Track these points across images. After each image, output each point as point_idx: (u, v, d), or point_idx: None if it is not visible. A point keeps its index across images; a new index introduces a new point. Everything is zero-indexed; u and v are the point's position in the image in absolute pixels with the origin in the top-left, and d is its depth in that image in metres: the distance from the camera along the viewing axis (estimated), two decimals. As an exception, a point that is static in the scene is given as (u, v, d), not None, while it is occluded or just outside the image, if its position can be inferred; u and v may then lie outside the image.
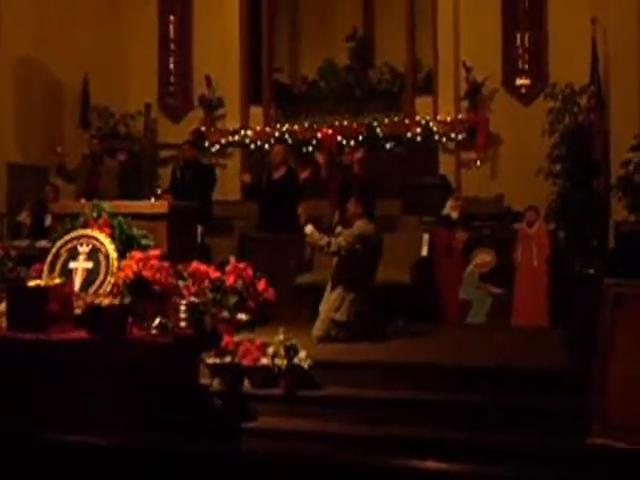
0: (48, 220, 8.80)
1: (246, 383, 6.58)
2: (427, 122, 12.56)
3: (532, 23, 12.41)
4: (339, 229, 8.37)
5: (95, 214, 5.41)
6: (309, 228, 8.17)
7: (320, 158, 11.55)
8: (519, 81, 12.33)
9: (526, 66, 12.45)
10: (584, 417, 5.64)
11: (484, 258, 9.83)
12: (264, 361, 6.64)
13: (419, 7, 13.05)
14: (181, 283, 5.07)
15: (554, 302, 9.42)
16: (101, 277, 5.12)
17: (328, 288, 8.23)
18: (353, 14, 13.97)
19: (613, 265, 7.82)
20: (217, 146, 13.47)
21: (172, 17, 14.08)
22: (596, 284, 7.06)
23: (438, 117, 12.58)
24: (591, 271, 8.80)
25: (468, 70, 12.32)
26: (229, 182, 12.95)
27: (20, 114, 12.26)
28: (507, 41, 12.52)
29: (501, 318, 9.64)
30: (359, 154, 10.88)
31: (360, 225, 8.19)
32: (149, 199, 6.94)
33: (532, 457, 5.82)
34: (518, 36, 12.48)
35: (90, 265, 5.19)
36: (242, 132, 13.42)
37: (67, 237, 5.38)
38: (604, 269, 8.07)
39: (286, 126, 13.23)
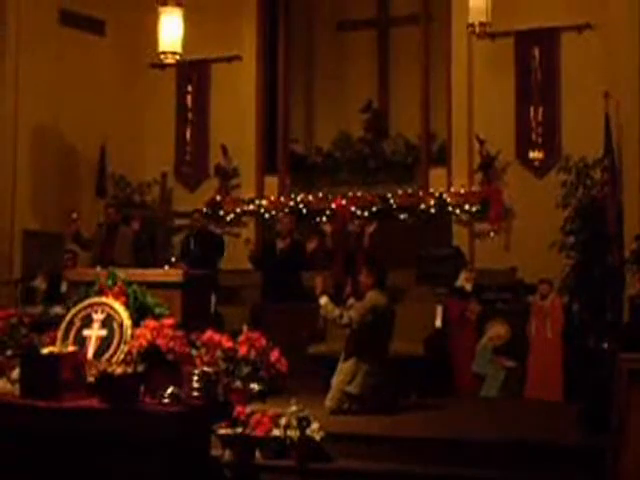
0: (64, 287, 8.83)
1: (257, 454, 6.53)
2: (441, 194, 12.62)
3: (545, 96, 12.52)
4: (351, 301, 8.37)
5: (110, 282, 5.42)
6: (324, 299, 8.18)
7: (327, 228, 11.61)
8: (532, 154, 12.39)
9: (539, 139, 12.52)
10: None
11: (498, 331, 9.78)
12: (276, 432, 6.59)
13: (433, 80, 13.20)
14: (194, 352, 5.06)
15: (568, 376, 9.35)
16: (115, 345, 5.11)
17: (341, 359, 8.21)
18: (367, 86, 14.13)
19: (628, 340, 7.78)
20: (232, 215, 13.55)
21: (189, 87, 14.27)
22: (610, 359, 7.02)
23: (452, 189, 12.64)
24: (605, 345, 8.75)
25: (482, 143, 12.41)
26: (243, 251, 13.00)
27: (36, 181, 12.39)
28: (520, 114, 12.61)
29: (515, 391, 9.56)
30: (371, 228, 10.92)
31: (372, 296, 8.19)
32: (163, 268, 6.95)
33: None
34: (531, 109, 12.57)
35: (104, 333, 5.19)
36: (257, 202, 13.51)
37: (81, 304, 5.38)
38: (618, 344, 8.02)
39: (300, 196, 13.31)
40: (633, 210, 10.17)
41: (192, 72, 14.11)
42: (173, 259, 11.14)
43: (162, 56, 8.97)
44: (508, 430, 7.42)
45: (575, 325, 9.90)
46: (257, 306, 10.61)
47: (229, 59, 14.00)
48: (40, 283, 10.90)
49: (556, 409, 8.80)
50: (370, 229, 10.94)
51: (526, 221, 12.19)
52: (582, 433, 6.93)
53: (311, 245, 10.87)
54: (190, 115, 14.26)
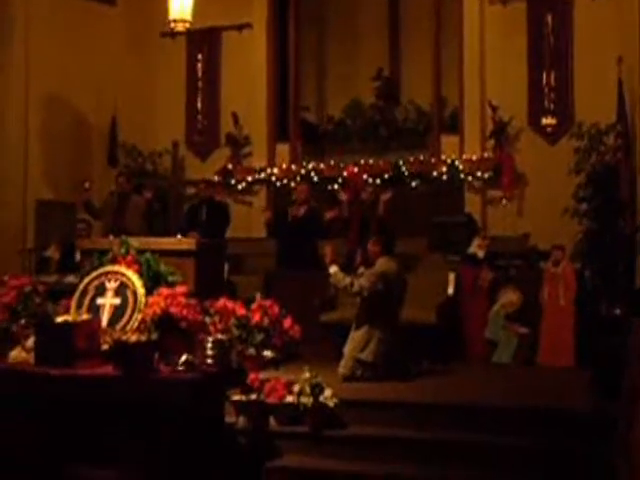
0: (77, 256, 8.87)
1: (271, 421, 6.57)
2: (453, 161, 12.58)
3: (558, 62, 12.44)
4: (361, 270, 8.39)
5: (123, 250, 5.44)
6: (333, 268, 8.20)
7: (343, 196, 11.58)
8: (545, 120, 12.33)
9: (552, 105, 12.46)
10: (610, 458, 5.60)
11: (510, 298, 9.78)
12: (289, 399, 6.63)
13: (445, 46, 13.12)
14: (208, 320, 5.09)
15: (580, 342, 9.36)
16: (128, 313, 5.14)
17: (353, 327, 8.23)
18: (379, 53, 14.06)
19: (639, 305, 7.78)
20: (243, 183, 13.55)
21: (200, 55, 14.24)
22: (622, 324, 7.03)
23: (464, 156, 12.60)
24: (617, 311, 8.76)
25: (494, 109, 12.35)
26: (255, 220, 13.02)
27: (48, 151, 12.40)
28: (533, 80, 12.54)
29: (527, 358, 9.58)
30: (386, 196, 10.86)
31: (382, 263, 8.21)
32: (176, 236, 6.97)
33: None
34: (544, 75, 12.50)
35: (118, 301, 5.22)
36: (268, 170, 13.50)
37: (95, 273, 5.41)
38: (630, 309, 8.02)
39: (312, 164, 13.29)
40: (646, 176, 10.14)
41: (202, 40, 14.08)
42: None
43: (172, 24, 8.90)
44: (520, 396, 7.44)
45: (587, 291, 9.90)
46: (270, 274, 10.63)
47: (239, 27, 13.96)
48: (53, 252, 10.93)
49: (568, 375, 8.81)
50: (386, 197, 10.89)
51: (539, 188, 12.15)
52: (594, 400, 6.94)
53: (330, 214, 10.86)
54: (201, 84, 14.24)
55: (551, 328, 9.61)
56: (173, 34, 12.18)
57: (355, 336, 8.12)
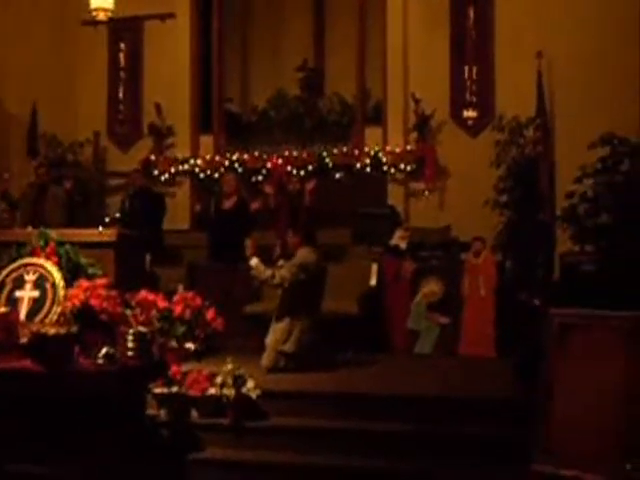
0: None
1: (194, 413, 6.55)
2: (376, 153, 12.63)
3: (479, 56, 12.56)
4: (281, 262, 8.41)
5: (42, 242, 5.35)
6: (254, 261, 8.21)
7: (268, 189, 11.56)
8: (466, 113, 12.45)
9: (473, 98, 12.59)
10: (529, 445, 5.70)
11: (431, 288, 9.90)
12: (212, 391, 6.62)
13: (369, 38, 13.17)
14: (128, 312, 5.03)
15: (501, 332, 9.51)
16: (47, 306, 5.06)
17: (273, 319, 8.25)
18: (304, 44, 14.04)
19: (558, 295, 7.91)
20: (166, 175, 13.43)
21: (122, 45, 14.06)
22: (541, 314, 7.15)
23: (387, 148, 12.66)
24: (536, 301, 8.90)
25: (417, 102, 12.43)
26: (179, 211, 12.93)
27: (-34, 141, 12.16)
28: (455, 74, 12.65)
29: (448, 348, 9.70)
30: (311, 185, 10.91)
31: (302, 253, 8.23)
32: (97, 228, 6.89)
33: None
34: (466, 69, 12.61)
35: (36, 294, 5.13)
36: (192, 161, 13.40)
37: (13, 265, 5.31)
38: (549, 299, 8.15)
39: (236, 155, 13.23)
40: (565, 168, 10.31)
41: (125, 30, 13.90)
42: (107, 219, 11.03)
43: (94, 13, 8.80)
44: (441, 385, 7.53)
45: (508, 282, 10.05)
46: (194, 266, 10.57)
47: (162, 17, 13.80)
48: (-29, 245, 10.73)
49: (489, 364, 8.95)
50: (310, 186, 10.93)
51: (460, 180, 12.27)
52: (513, 388, 7.05)
53: (254, 205, 10.82)
54: (123, 73, 14.06)
55: (472, 319, 9.75)
56: (95, 23, 11.96)
57: (277, 328, 8.13)
